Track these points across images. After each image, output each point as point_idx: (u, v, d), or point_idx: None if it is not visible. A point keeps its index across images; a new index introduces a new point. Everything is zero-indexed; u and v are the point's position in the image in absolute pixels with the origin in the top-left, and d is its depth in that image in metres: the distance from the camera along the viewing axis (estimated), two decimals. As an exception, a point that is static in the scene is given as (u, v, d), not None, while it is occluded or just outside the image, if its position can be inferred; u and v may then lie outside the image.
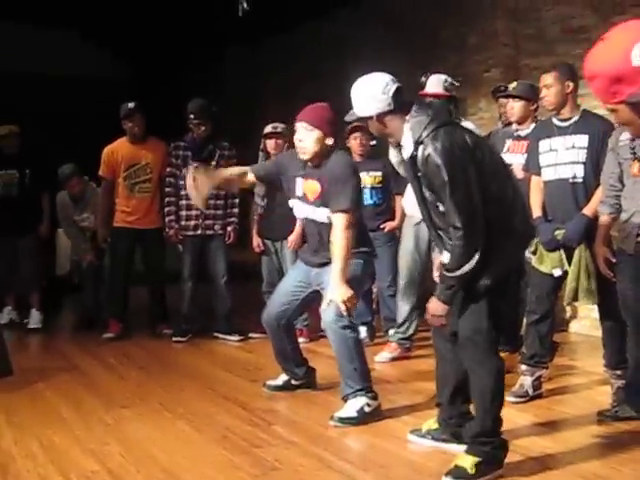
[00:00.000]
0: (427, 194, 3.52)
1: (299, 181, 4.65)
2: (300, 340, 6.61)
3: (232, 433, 4.24)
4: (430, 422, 4.05)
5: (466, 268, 3.43)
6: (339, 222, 4.39)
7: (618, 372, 4.58)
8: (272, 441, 4.11)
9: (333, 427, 4.30)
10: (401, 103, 3.65)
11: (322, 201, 4.54)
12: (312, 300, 4.80)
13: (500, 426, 3.61)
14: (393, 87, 3.69)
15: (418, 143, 3.47)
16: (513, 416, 4.54)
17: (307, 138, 4.46)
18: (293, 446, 4.04)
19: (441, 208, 3.47)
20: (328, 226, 4.51)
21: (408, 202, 6.00)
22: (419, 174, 3.50)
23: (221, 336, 6.93)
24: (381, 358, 5.96)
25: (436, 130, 3.46)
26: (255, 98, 12.25)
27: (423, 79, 5.78)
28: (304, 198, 4.65)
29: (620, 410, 4.38)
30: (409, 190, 5.93)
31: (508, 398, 4.81)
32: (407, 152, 3.57)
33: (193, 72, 12.53)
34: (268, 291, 6.98)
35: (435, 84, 5.72)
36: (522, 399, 4.82)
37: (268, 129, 6.76)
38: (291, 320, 4.89)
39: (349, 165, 4.61)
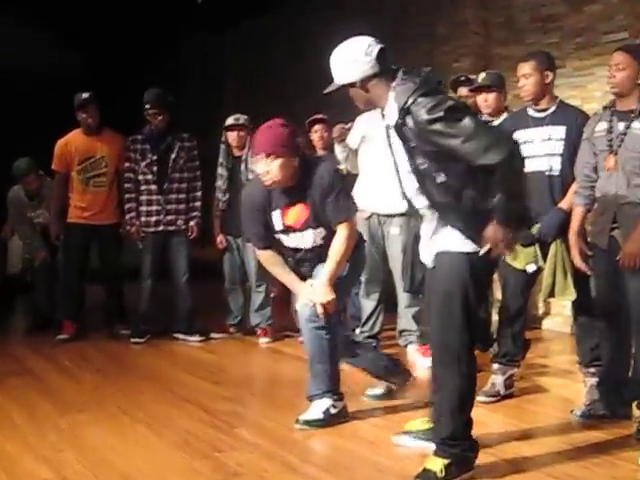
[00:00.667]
0: (423, 166, 3.40)
1: (276, 214, 4.43)
2: (264, 340, 6.63)
3: (193, 437, 4.22)
4: (417, 422, 4.05)
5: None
6: (343, 232, 4.31)
7: (592, 370, 4.61)
8: (235, 445, 4.10)
9: (298, 429, 4.29)
10: (386, 66, 3.52)
11: (311, 222, 4.38)
12: None
13: (470, 428, 3.62)
14: (376, 48, 3.53)
15: (404, 111, 3.36)
16: (484, 416, 4.57)
17: (272, 168, 4.24)
18: (257, 450, 4.03)
19: (440, 179, 3.38)
20: (315, 250, 4.43)
21: (357, 195, 6.01)
22: (411, 144, 3.39)
23: (181, 336, 6.90)
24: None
25: (424, 96, 3.34)
26: (215, 88, 12.21)
27: None
28: (289, 229, 4.44)
29: (593, 409, 4.43)
30: (358, 184, 5.97)
31: (479, 398, 4.82)
32: (391, 120, 3.45)
33: (150, 61, 12.45)
34: (230, 289, 7.00)
35: None
36: (493, 399, 4.85)
37: (229, 121, 6.74)
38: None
39: (333, 172, 4.41)
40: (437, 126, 3.29)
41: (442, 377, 3.58)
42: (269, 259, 4.53)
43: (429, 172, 3.40)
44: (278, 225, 4.43)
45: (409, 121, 3.36)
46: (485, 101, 5.32)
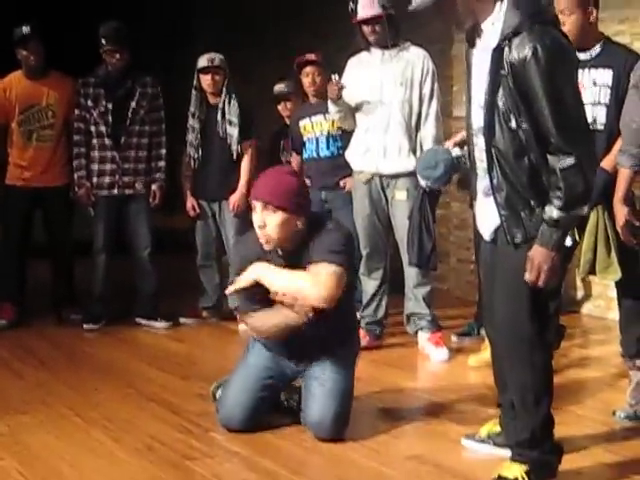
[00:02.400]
0: (501, 101, 3.43)
1: None
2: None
3: (159, 442, 4.25)
4: (490, 425, 4.13)
5: (584, 207, 3.41)
6: (329, 272, 4.11)
7: (638, 363, 4.65)
8: (209, 452, 4.14)
9: (283, 434, 4.33)
10: None
11: None
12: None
13: (551, 427, 3.66)
14: None
15: (513, 34, 3.37)
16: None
17: (269, 223, 4.12)
18: (235, 457, 4.07)
19: (513, 123, 3.41)
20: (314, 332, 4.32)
21: (354, 154, 6.05)
22: (502, 72, 3.40)
23: (144, 322, 6.94)
24: None
25: (541, 25, 3.37)
26: (184, 23, 12.17)
27: (352, 5, 5.84)
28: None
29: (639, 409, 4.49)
30: (355, 141, 6.01)
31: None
32: (489, 41, 3.46)
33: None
34: (204, 265, 7.03)
35: (368, 6, 5.78)
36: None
37: (203, 62, 6.73)
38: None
39: (347, 240, 4.28)
40: (538, 73, 3.32)
41: (513, 371, 3.63)
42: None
43: (505, 111, 3.43)
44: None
45: (513, 49, 3.36)
46: None
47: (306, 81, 6.61)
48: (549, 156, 3.37)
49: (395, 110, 5.83)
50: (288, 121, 7.19)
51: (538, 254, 3.40)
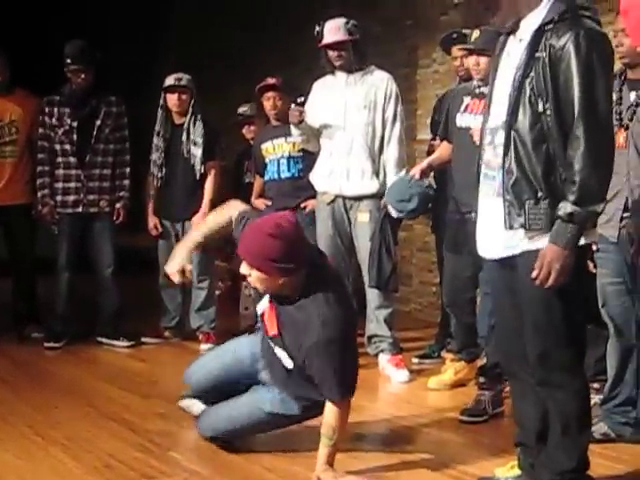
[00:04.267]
0: (530, 84, 3.40)
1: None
2: (205, 346, 6.67)
3: (117, 461, 4.25)
4: (507, 467, 3.94)
5: (599, 204, 3.33)
6: (335, 412, 3.98)
7: (596, 385, 4.72)
8: (168, 471, 4.14)
9: (244, 453, 4.35)
10: None
11: (283, 345, 4.17)
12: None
13: (589, 459, 3.61)
14: None
15: (558, 19, 3.37)
16: (469, 440, 4.67)
17: (252, 276, 4.02)
18: (194, 477, 4.07)
19: (540, 106, 3.37)
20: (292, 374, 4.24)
21: (318, 176, 6.10)
22: (536, 54, 3.39)
23: (106, 341, 6.92)
24: None
25: (584, 17, 3.38)
26: (153, 40, 12.17)
27: (317, 28, 5.90)
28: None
29: (597, 430, 4.51)
30: (319, 163, 6.06)
31: (461, 417, 4.96)
32: (528, 31, 3.45)
33: (71, 6, 12.36)
34: (166, 284, 6.99)
35: (334, 31, 5.84)
36: (479, 418, 4.97)
37: (170, 81, 6.75)
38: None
39: (338, 324, 3.97)
40: (576, 61, 3.31)
41: (554, 400, 3.53)
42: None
43: (533, 94, 3.40)
44: (260, 310, 4.36)
45: (555, 33, 3.36)
46: (477, 65, 5.30)
47: (267, 105, 6.65)
48: (568, 148, 3.32)
49: (358, 133, 5.88)
50: (252, 142, 7.23)
51: (550, 252, 3.31)
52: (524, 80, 3.41)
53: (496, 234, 3.54)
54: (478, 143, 4.95)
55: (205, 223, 4.67)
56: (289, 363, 4.14)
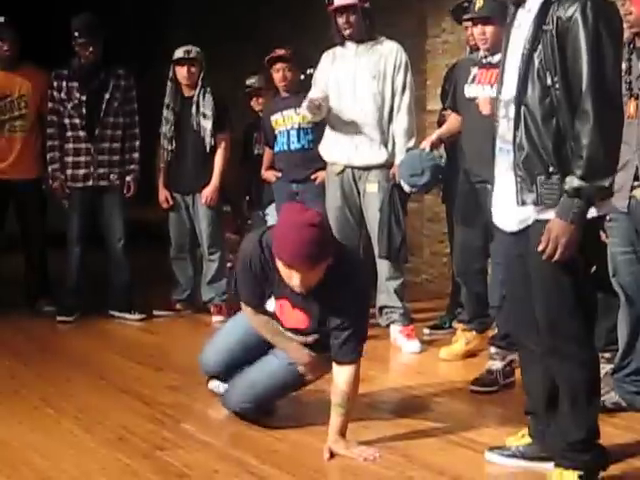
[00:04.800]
0: (540, 57, 3.38)
1: (271, 303, 4.31)
2: (217, 318, 6.69)
3: (130, 433, 4.28)
4: (517, 437, 3.97)
5: (607, 178, 3.30)
6: (349, 374, 4.04)
7: (607, 355, 4.73)
8: (180, 442, 4.16)
9: (254, 425, 4.37)
10: None
11: (310, 329, 4.25)
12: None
13: (599, 429, 3.60)
14: None
15: None
16: (478, 409, 4.70)
17: (310, 278, 3.94)
18: (206, 448, 4.10)
19: (548, 81, 3.35)
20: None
21: (326, 147, 6.09)
22: (544, 27, 3.36)
23: (118, 314, 6.95)
24: None
25: None
26: (162, 12, 12.16)
27: None
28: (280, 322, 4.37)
29: (608, 399, 4.52)
30: (328, 133, 6.05)
31: (472, 387, 4.97)
32: (536, 2, 3.43)
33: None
34: (177, 257, 7.05)
35: None
36: (490, 388, 4.98)
37: (179, 54, 6.74)
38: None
39: (362, 301, 4.19)
40: (584, 32, 3.28)
41: (562, 371, 3.54)
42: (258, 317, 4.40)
43: (541, 67, 3.38)
44: (270, 305, 4.32)
45: (561, 4, 3.33)
46: (482, 34, 5.26)
47: (277, 77, 6.61)
48: (575, 122, 3.29)
49: (368, 103, 5.86)
50: (261, 114, 7.22)
51: (556, 226, 3.30)
52: (532, 54, 3.39)
53: (510, 209, 3.54)
54: (484, 113, 5.00)
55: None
56: (312, 338, 4.28)
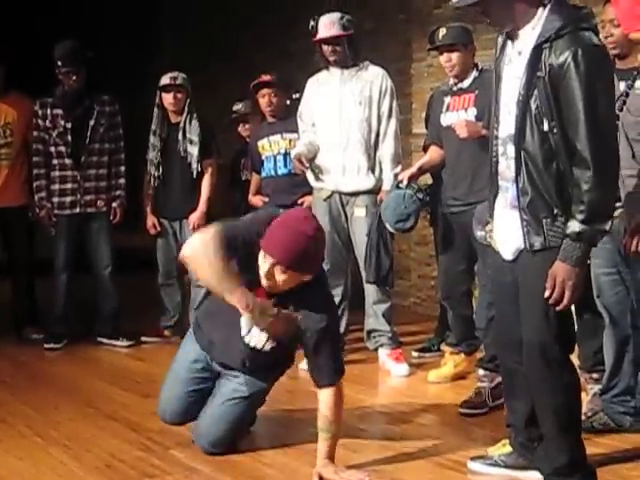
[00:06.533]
0: (535, 102, 3.43)
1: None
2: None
3: (119, 461, 4.28)
4: (499, 446, 4.08)
5: (608, 221, 3.37)
6: (330, 397, 4.03)
7: (595, 376, 4.73)
8: (169, 469, 4.17)
9: (244, 450, 4.37)
10: None
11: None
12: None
13: (585, 449, 3.65)
14: None
15: (555, 37, 3.38)
16: (467, 432, 4.69)
17: (277, 277, 3.96)
18: (195, 474, 4.10)
19: (545, 126, 3.41)
20: (260, 354, 4.32)
21: (313, 173, 6.12)
22: (538, 74, 3.41)
23: (106, 341, 6.94)
24: (305, 365, 5.95)
25: (583, 31, 3.39)
26: (147, 38, 12.18)
27: (312, 23, 5.92)
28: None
29: (596, 420, 4.55)
30: (315, 159, 6.08)
31: (461, 409, 4.98)
32: (528, 45, 3.47)
33: (62, 4, 12.34)
34: (165, 283, 7.05)
35: (329, 26, 5.86)
36: (479, 410, 4.99)
37: (165, 80, 6.78)
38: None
39: (334, 323, 4.25)
40: (577, 78, 3.32)
41: (544, 394, 3.59)
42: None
43: (538, 113, 3.43)
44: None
45: (553, 51, 3.37)
46: (449, 61, 5.34)
47: (263, 102, 6.64)
48: (574, 168, 3.36)
49: (354, 129, 5.90)
50: (249, 140, 7.25)
51: (561, 270, 3.37)
52: (528, 100, 3.44)
53: (509, 242, 3.63)
54: (462, 136, 5.07)
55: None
56: (268, 346, 4.24)
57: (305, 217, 4.05)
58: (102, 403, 5.32)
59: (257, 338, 4.23)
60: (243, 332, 4.25)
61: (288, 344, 4.25)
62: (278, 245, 3.90)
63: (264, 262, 3.94)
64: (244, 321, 4.21)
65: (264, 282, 3.99)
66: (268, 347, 4.25)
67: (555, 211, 3.43)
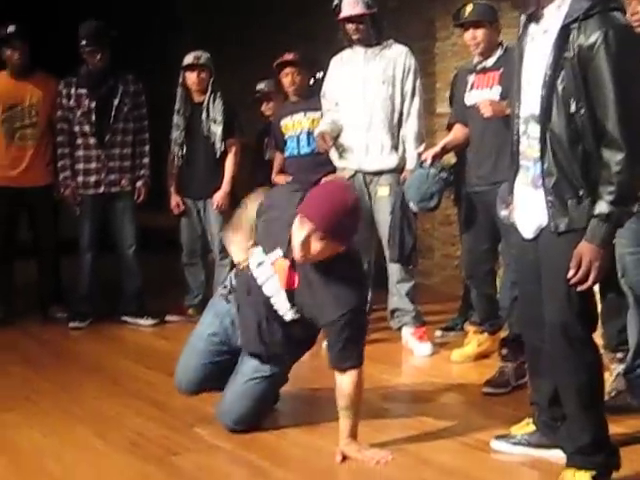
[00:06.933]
0: (562, 84, 3.39)
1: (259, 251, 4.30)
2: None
3: (144, 438, 4.31)
4: (522, 425, 4.09)
5: (635, 203, 3.44)
6: (353, 378, 4.03)
7: (619, 355, 4.72)
8: (193, 446, 4.20)
9: (267, 428, 4.39)
10: None
11: (292, 300, 4.20)
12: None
13: (607, 429, 3.64)
14: None
15: (583, 17, 3.33)
16: (491, 410, 4.69)
17: (313, 245, 3.90)
18: (219, 452, 4.13)
19: (572, 108, 3.37)
20: (283, 323, 4.30)
21: (337, 152, 6.11)
22: (564, 54, 3.37)
23: (130, 320, 6.98)
24: None
25: (611, 11, 3.35)
26: (170, 17, 12.17)
27: (336, 2, 5.90)
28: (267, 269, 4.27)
29: (620, 400, 4.54)
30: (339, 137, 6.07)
31: (484, 389, 4.98)
32: (554, 25, 3.43)
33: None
34: (189, 262, 7.07)
35: (352, 4, 5.83)
36: (502, 390, 4.99)
37: (188, 59, 6.78)
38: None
39: (360, 306, 4.13)
40: (607, 59, 3.28)
41: (567, 374, 3.58)
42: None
43: (565, 94, 3.40)
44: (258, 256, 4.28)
45: (582, 32, 3.33)
46: (474, 38, 5.32)
47: (286, 81, 6.62)
48: (603, 149, 3.32)
49: (377, 108, 5.88)
50: (272, 119, 7.24)
51: (587, 251, 3.34)
52: (555, 81, 3.40)
53: (529, 221, 3.62)
54: (486, 115, 5.04)
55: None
56: (290, 316, 4.22)
57: (345, 187, 4.12)
58: (126, 381, 5.36)
59: (281, 304, 4.23)
60: (260, 281, 4.25)
61: (309, 322, 4.23)
62: (318, 211, 3.87)
63: (301, 228, 3.89)
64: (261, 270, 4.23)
65: (297, 252, 3.94)
66: (289, 317, 4.24)
67: (580, 192, 3.40)
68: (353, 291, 4.03)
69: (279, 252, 4.16)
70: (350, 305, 3.99)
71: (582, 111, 3.36)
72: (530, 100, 3.54)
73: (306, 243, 3.89)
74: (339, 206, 3.89)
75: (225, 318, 4.49)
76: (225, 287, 4.54)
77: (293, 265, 4.10)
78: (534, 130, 3.52)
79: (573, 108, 3.38)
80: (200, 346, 4.53)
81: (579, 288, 3.40)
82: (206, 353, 4.49)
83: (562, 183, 3.43)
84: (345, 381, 4.03)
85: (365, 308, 4.29)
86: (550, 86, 3.42)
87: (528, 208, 3.62)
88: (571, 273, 3.38)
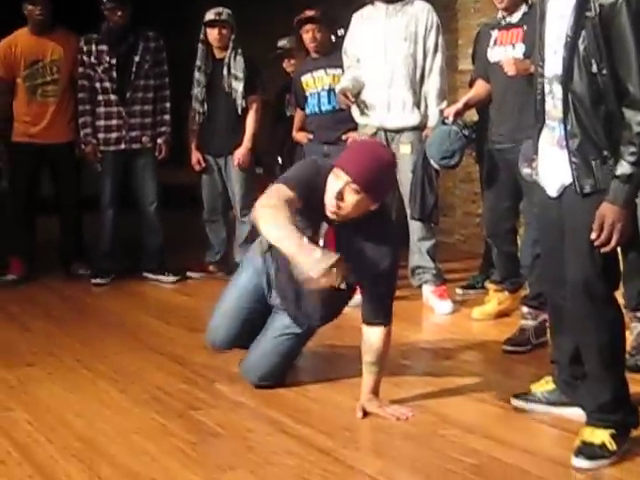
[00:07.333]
0: (584, 44, 3.35)
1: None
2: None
3: (165, 393, 4.32)
4: (542, 383, 4.08)
5: None
6: (383, 334, 4.06)
7: (639, 314, 4.71)
8: (214, 402, 4.21)
9: (288, 385, 4.40)
10: None
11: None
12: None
13: (628, 387, 3.64)
14: None
15: None
16: (511, 369, 4.70)
17: (348, 198, 3.82)
18: (239, 408, 4.14)
19: (594, 68, 3.33)
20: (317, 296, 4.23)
21: (358, 109, 6.08)
22: (587, 14, 3.32)
23: (152, 276, 7.02)
24: (353, 302, 5.86)
25: None
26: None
27: None
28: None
29: (640, 359, 4.53)
30: (360, 95, 6.03)
31: (505, 347, 4.98)
32: None
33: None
34: (210, 219, 7.09)
35: None
36: (522, 348, 4.98)
37: (210, 16, 6.75)
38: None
39: (395, 261, 4.11)
40: (629, 18, 3.24)
41: (588, 331, 3.56)
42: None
43: (587, 54, 3.36)
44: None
45: None
46: None
47: (307, 38, 6.56)
48: (625, 109, 3.28)
49: (399, 65, 5.83)
50: (293, 75, 7.21)
51: (610, 212, 3.30)
52: (576, 41, 3.35)
53: (554, 179, 3.58)
54: (510, 74, 4.98)
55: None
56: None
57: (382, 145, 4.23)
58: (148, 337, 5.39)
59: None
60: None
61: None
62: (355, 164, 3.84)
63: (336, 181, 3.83)
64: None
65: (331, 207, 3.87)
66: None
67: (604, 153, 3.36)
68: (388, 249, 4.03)
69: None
70: (386, 262, 4.00)
71: (604, 71, 3.31)
72: (553, 60, 3.50)
73: (340, 195, 3.85)
74: (376, 161, 3.88)
75: (262, 276, 4.48)
76: (261, 242, 4.48)
77: (334, 229, 4.06)
78: (558, 90, 3.48)
79: (595, 68, 3.33)
80: (236, 303, 4.53)
81: (603, 250, 3.38)
82: (244, 310, 4.50)
83: (586, 144, 3.39)
84: (374, 336, 4.03)
85: (398, 266, 4.27)
86: (571, 47, 3.37)
87: (553, 167, 3.59)
88: (594, 235, 3.35)
